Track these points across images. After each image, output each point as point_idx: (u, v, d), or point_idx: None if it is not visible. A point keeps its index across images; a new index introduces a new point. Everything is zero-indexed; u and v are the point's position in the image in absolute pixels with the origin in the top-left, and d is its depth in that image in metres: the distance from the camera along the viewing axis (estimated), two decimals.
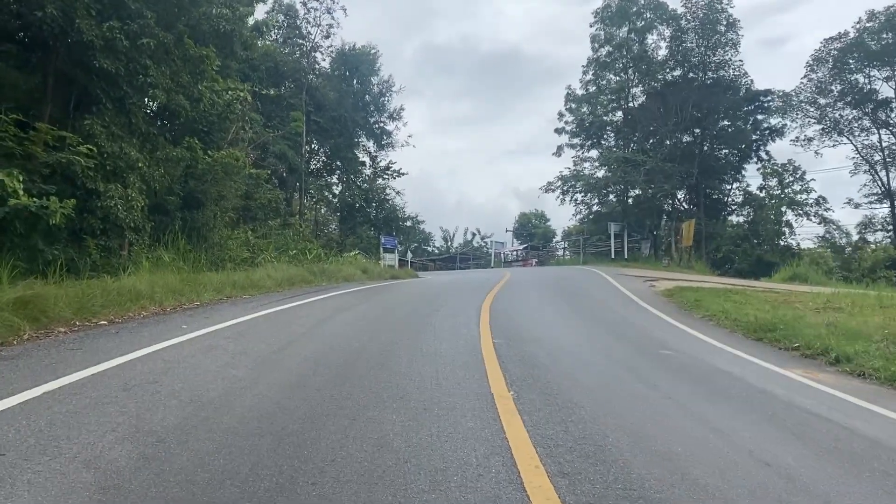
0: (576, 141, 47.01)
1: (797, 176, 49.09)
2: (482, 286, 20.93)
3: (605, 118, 45.02)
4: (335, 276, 23.04)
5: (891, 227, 52.69)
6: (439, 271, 51.48)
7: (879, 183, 52.69)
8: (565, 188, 43.99)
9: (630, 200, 42.97)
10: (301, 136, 35.71)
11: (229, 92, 22.14)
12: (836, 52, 51.71)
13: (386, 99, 40.68)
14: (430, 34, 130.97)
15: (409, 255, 43.30)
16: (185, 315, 11.09)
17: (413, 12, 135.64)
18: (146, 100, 16.81)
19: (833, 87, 53.03)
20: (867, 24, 51.30)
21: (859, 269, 29.47)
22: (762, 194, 50.34)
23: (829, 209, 47.88)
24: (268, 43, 36.87)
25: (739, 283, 26.07)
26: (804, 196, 48.87)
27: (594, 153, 47.09)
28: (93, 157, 14.35)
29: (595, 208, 42.41)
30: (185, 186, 20.06)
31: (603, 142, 46.15)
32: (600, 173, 46.03)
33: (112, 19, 15.15)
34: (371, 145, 41.78)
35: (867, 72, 51.91)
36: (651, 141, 44.21)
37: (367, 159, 41.92)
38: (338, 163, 40.41)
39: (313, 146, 39.17)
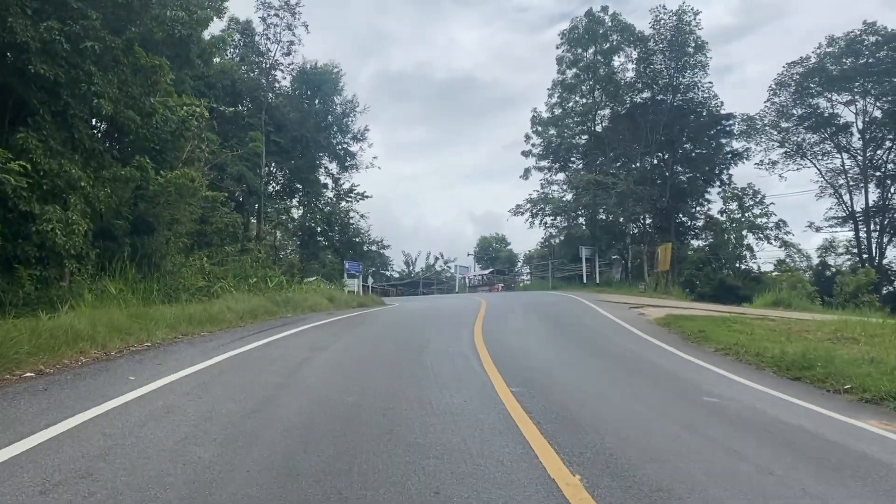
0: (543, 164, 46.07)
1: (757, 200, 48.72)
2: (462, 315, 19.37)
3: (572, 140, 44.06)
4: (301, 305, 21.21)
5: (854, 250, 52.94)
6: (402, 297, 49.78)
7: (844, 206, 52.89)
8: (535, 211, 42.97)
9: (600, 224, 41.98)
10: (260, 157, 33.87)
11: (184, 108, 20.34)
12: (797, 77, 51.94)
13: (350, 119, 39.13)
14: (385, 61, 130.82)
15: (370, 280, 41.40)
16: (134, 361, 9.26)
17: (367, 39, 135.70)
18: (91, 112, 14.93)
19: (795, 111, 53.25)
20: (827, 49, 51.67)
21: (841, 294, 28.70)
22: (723, 218, 50.01)
23: (788, 232, 47.66)
24: (225, 61, 35.11)
25: (725, 309, 24.95)
26: (764, 220, 48.58)
27: (561, 176, 46.26)
28: (27, 175, 12.48)
29: (566, 232, 41.24)
30: (135, 209, 18.16)
31: (571, 164, 45.20)
32: (568, 196, 45.11)
33: (51, 19, 13.36)
34: (334, 167, 40.07)
35: (829, 96, 52.19)
36: (619, 164, 43.43)
37: (329, 181, 40.15)
38: (298, 185, 38.56)
39: (272, 168, 37.30)
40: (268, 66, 35.23)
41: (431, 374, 8.91)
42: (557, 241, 43.11)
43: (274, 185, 38.46)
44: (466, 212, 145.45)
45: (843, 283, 29.09)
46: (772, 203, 44.17)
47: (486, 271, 61.25)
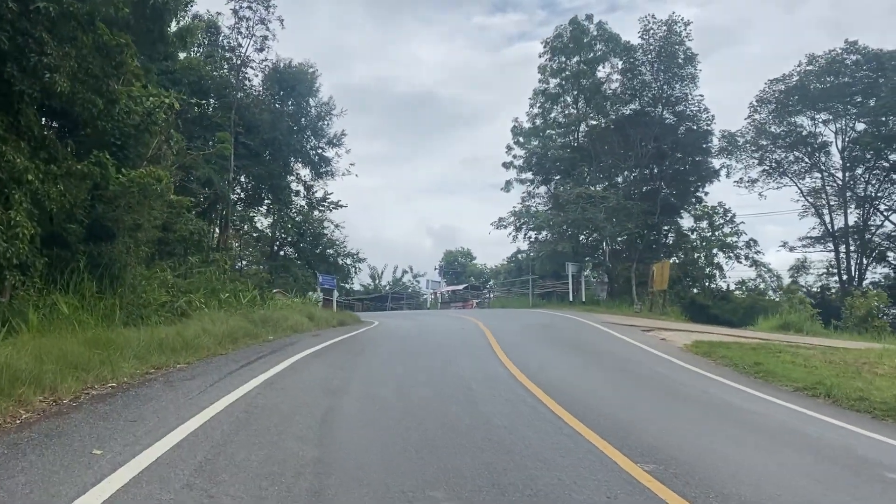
0: (525, 176, 44.02)
1: (727, 218, 47.29)
2: (469, 340, 17.04)
3: (556, 152, 42.07)
4: (281, 325, 18.60)
5: (835, 270, 52.14)
6: (370, 312, 47.21)
7: (826, 226, 52.11)
8: (518, 224, 40.80)
9: (583, 240, 40.02)
10: (228, 160, 31.12)
11: (150, 98, 17.70)
12: (778, 94, 51.12)
13: (325, 123, 36.44)
14: (345, 74, 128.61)
15: (336, 294, 38.50)
16: (97, 415, 6.73)
17: (327, 52, 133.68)
18: (43, 90, 12.28)
19: (774, 129, 52.43)
20: (808, 68, 50.97)
21: (851, 318, 27.18)
22: (693, 236, 48.61)
23: (759, 251, 46.38)
24: (192, 56, 32.38)
25: (735, 333, 23.09)
26: (734, 239, 47.20)
27: (543, 189, 44.26)
28: None
29: (550, 247, 39.13)
30: (92, 212, 15.42)
31: (553, 178, 43.17)
32: (547, 210, 43.16)
33: None
34: (308, 173, 37.33)
35: (809, 114, 51.46)
36: (604, 176, 41.62)
37: (301, 189, 37.41)
38: (267, 192, 35.76)
39: (238, 173, 34.51)
40: (238, 62, 32.52)
41: (512, 438, 6.56)
42: (540, 256, 40.89)
43: (241, 190, 35.62)
44: (424, 225, 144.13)
45: (853, 306, 27.53)
46: (742, 222, 42.76)
47: (460, 287, 58.88)
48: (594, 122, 42.56)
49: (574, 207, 35.43)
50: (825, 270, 52.86)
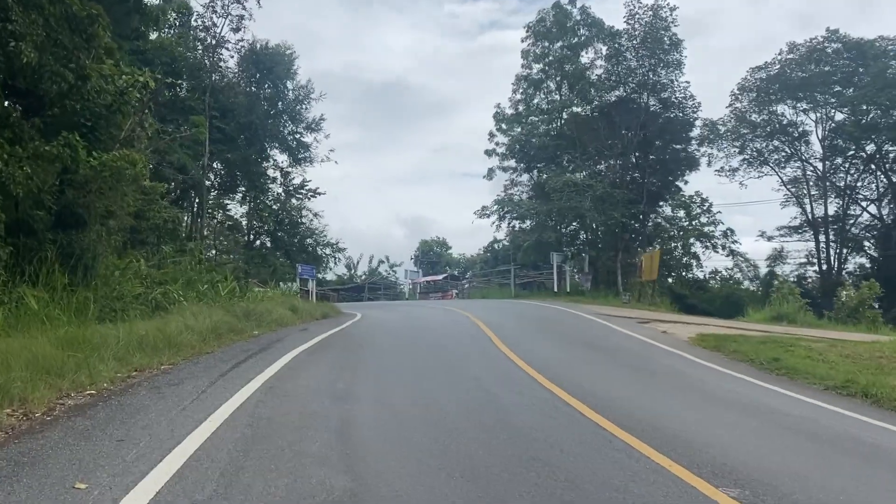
0: (508, 164, 43.09)
1: (704, 208, 46.93)
2: (467, 334, 16.19)
3: (540, 139, 41.12)
4: (265, 319, 17.57)
5: (814, 260, 52.18)
6: (346, 303, 46.18)
7: (807, 216, 52.06)
8: (502, 213, 39.93)
9: (565, 230, 39.30)
10: (203, 146, 29.84)
11: (123, 77, 16.48)
12: (759, 83, 50.84)
13: (303, 107, 35.16)
14: (315, 61, 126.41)
15: (310, 284, 37.26)
16: (75, 431, 5.73)
17: (297, 39, 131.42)
18: (7, 60, 11.11)
19: (755, 118, 52.17)
20: (788, 56, 50.70)
21: (843, 308, 26.81)
22: (670, 226, 48.15)
23: (736, 241, 45.97)
24: (163, 36, 30.99)
25: (728, 324, 22.50)
26: (711, 228, 46.90)
27: (526, 177, 43.44)
28: None
29: (535, 236, 38.30)
30: (61, 198, 14.24)
31: (538, 166, 42.26)
32: (526, 197, 42.40)
33: None
34: (285, 159, 36.05)
35: (790, 103, 51.25)
36: (588, 164, 40.83)
37: (278, 175, 36.12)
38: (243, 179, 34.46)
39: (212, 159, 33.17)
40: (213, 42, 31.13)
41: (565, 458, 5.67)
42: (525, 246, 40.03)
43: (216, 177, 34.31)
44: (394, 215, 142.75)
45: (845, 296, 27.15)
46: (719, 212, 42.25)
47: (440, 277, 57.90)
48: (578, 109, 41.71)
49: (559, 196, 34.63)
50: (805, 260, 53.01)
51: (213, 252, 34.70)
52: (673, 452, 5.90)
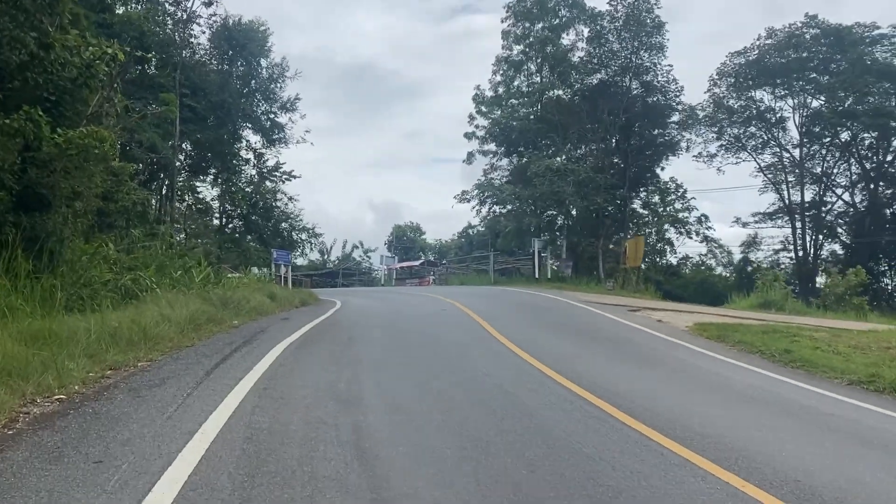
0: (488, 147, 42.22)
1: (679, 194, 46.64)
2: (458, 325, 15.41)
3: (522, 122, 40.22)
4: (244, 307, 16.60)
5: (791, 246, 52.28)
6: (321, 289, 45.15)
7: (784, 202, 52.09)
8: (483, 198, 39.04)
9: (547, 216, 38.61)
10: (173, 125, 28.57)
11: (90, 49, 15.31)
12: (737, 68, 50.57)
13: (278, 86, 33.90)
14: (285, 43, 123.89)
15: (283, 269, 36.14)
16: (43, 454, 4.81)
17: (268, 21, 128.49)
18: None
19: (733, 103, 51.97)
20: (767, 42, 50.47)
21: (829, 295, 26.52)
22: (645, 211, 47.82)
23: (710, 227, 45.77)
24: (130, 10, 29.59)
25: (725, 312, 22.02)
26: (685, 214, 46.59)
27: (506, 161, 42.54)
28: None
29: (516, 222, 37.54)
30: (23, 177, 13.13)
31: (520, 149, 41.42)
32: (504, 180, 41.67)
33: None
34: (259, 140, 34.79)
35: (768, 89, 51.10)
36: (570, 148, 40.15)
37: (251, 157, 34.89)
38: (215, 160, 33.17)
39: (182, 139, 31.85)
40: (184, 17, 29.75)
41: (618, 473, 4.90)
42: (507, 231, 39.22)
43: (187, 158, 32.98)
44: (366, 200, 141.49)
45: (832, 284, 26.86)
46: (693, 198, 41.89)
47: (416, 262, 56.92)
48: (559, 92, 40.95)
49: (542, 181, 33.89)
50: (780, 246, 53.11)
51: (184, 236, 33.54)
52: (721, 458, 5.19)
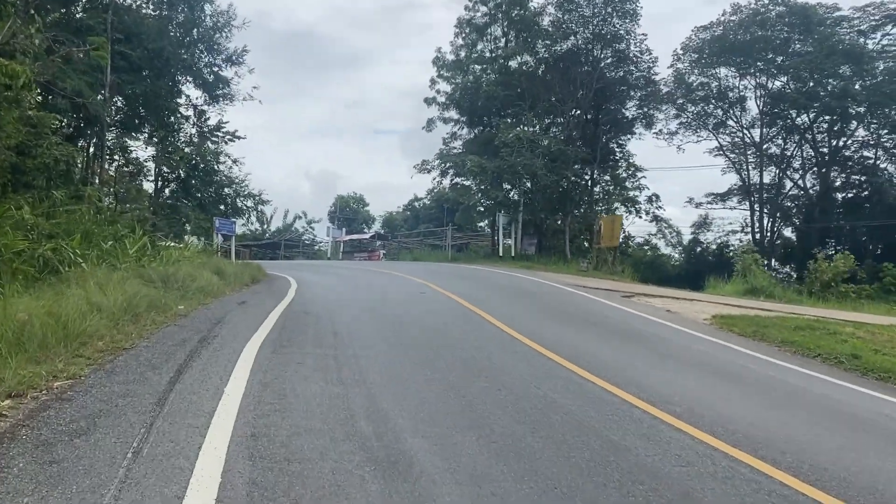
0: (449, 114, 39.43)
1: (630, 172, 45.02)
2: (446, 310, 13.00)
3: (489, 88, 37.52)
4: (189, 288, 13.79)
5: (749, 227, 51.56)
6: (262, 261, 42.10)
7: (744, 181, 51.27)
8: (445, 168, 36.33)
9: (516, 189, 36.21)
10: (104, 73, 25.07)
11: None
12: (701, 43, 49.21)
13: (223, 35, 30.36)
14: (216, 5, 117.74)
15: (220, 239, 32.86)
16: None
17: None
18: None
19: (695, 79, 50.70)
20: (731, 18, 49.26)
21: (816, 282, 25.11)
22: (596, 189, 46.25)
23: (660, 207, 44.28)
24: None
25: (720, 300, 20.22)
26: (636, 193, 45.13)
27: (466, 131, 39.90)
28: None
29: (479, 195, 35.05)
30: None
31: (485, 117, 38.77)
32: (459, 149, 39.21)
33: None
34: (200, 96, 31.26)
35: (732, 68, 49.92)
36: (536, 120, 37.75)
37: (192, 114, 31.37)
38: (151, 116, 29.59)
39: (114, 91, 28.23)
40: None
41: None
42: (471, 205, 36.60)
43: (119, 113, 29.36)
44: (302, 169, 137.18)
45: (819, 270, 25.44)
46: (643, 176, 40.19)
47: (366, 235, 53.92)
48: (528, 58, 38.46)
49: (510, 151, 31.51)
50: (734, 228, 52.44)
51: (112, 199, 30.09)
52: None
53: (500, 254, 33.25)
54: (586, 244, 36.68)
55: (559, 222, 36.33)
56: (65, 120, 25.42)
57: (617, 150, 40.30)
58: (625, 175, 40.41)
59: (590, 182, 38.40)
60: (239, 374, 6.66)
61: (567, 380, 7.48)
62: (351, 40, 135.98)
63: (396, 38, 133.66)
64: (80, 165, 24.25)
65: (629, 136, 41.24)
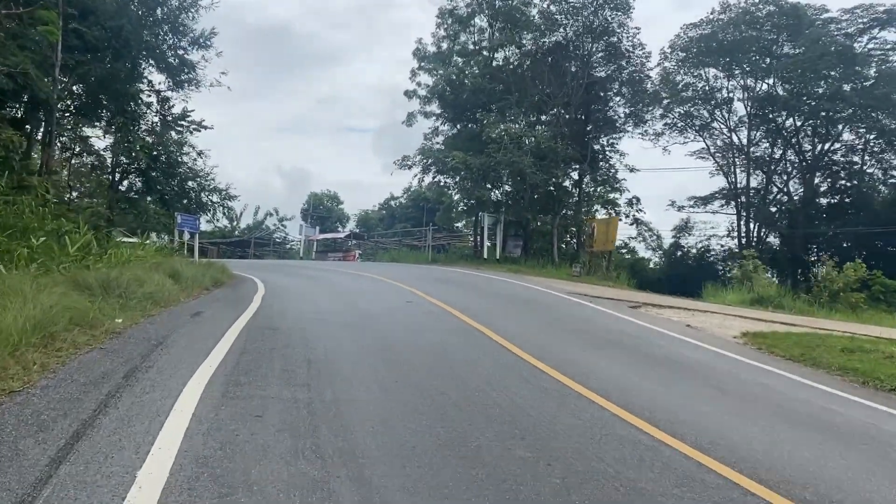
0: (430, 108, 37.24)
1: (610, 175, 43.13)
2: (451, 327, 10.89)
3: (475, 80, 35.43)
4: (133, 294, 11.54)
5: (734, 232, 50.18)
6: (230, 259, 39.69)
7: (731, 186, 49.92)
8: (427, 164, 34.09)
9: (503, 188, 34.20)
10: (54, 51, 22.63)
11: None
12: (689, 42, 47.69)
13: (190, 15, 27.89)
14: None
15: (187, 236, 30.26)
16: None
17: None
18: None
19: (681, 79, 49.26)
20: (720, 16, 47.86)
21: (825, 292, 23.40)
22: (574, 191, 44.39)
23: (641, 210, 42.62)
24: None
25: (724, 310, 18.37)
26: (616, 196, 43.35)
27: (447, 126, 37.76)
28: None
29: (469, 194, 32.91)
30: None
31: (468, 112, 36.62)
32: (440, 145, 37.14)
33: None
34: (164, 81, 28.72)
35: (720, 68, 48.51)
36: (522, 116, 35.76)
37: (154, 100, 28.82)
38: (109, 102, 27.03)
39: (69, 73, 25.71)
40: None
41: None
42: (458, 204, 34.52)
43: (71, 99, 26.81)
44: (274, 165, 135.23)
45: (827, 279, 23.75)
46: (624, 179, 38.48)
47: (340, 234, 51.42)
48: (516, 50, 36.45)
49: (496, 148, 29.48)
50: (716, 233, 51.22)
51: (71, 194, 27.58)
52: None
53: (485, 256, 31.24)
54: (574, 247, 34.80)
55: (547, 224, 34.33)
56: (7, 102, 23.08)
57: (608, 149, 38.39)
58: (616, 176, 38.68)
59: (580, 182, 36.43)
60: (167, 440, 4.52)
61: (635, 443, 5.42)
62: (325, 37, 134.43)
63: (370, 37, 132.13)
64: (20, 152, 21.73)
65: (620, 135, 39.49)
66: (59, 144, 26.23)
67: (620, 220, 42.94)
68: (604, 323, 13.20)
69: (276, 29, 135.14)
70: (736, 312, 17.39)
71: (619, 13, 35.06)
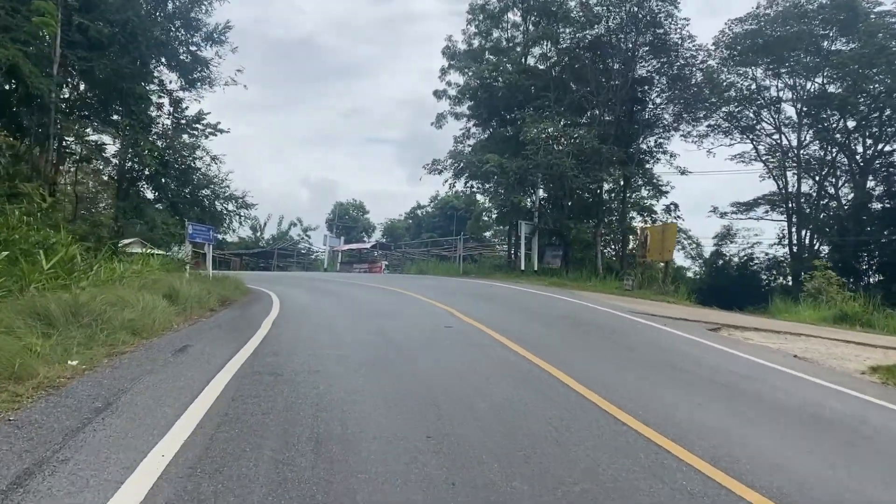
0: (461, 109, 34.72)
1: (646, 180, 40.23)
2: (512, 370, 8.33)
3: (510, 77, 32.83)
4: (107, 324, 9.17)
5: (785, 241, 47.06)
6: (252, 272, 37.67)
7: (780, 189, 46.83)
8: (459, 167, 31.53)
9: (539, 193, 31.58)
10: (52, 46, 20.66)
11: None
12: (734, 39, 44.69)
13: (203, 8, 25.74)
14: (220, 11, 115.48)
15: (188, 248, 27.42)
16: None
17: None
18: None
19: (724, 77, 46.22)
20: (766, 11, 44.81)
21: None
22: (609, 198, 41.56)
23: (679, 217, 39.62)
24: None
25: (821, 332, 15.57)
26: (653, 202, 40.41)
27: (479, 130, 35.22)
28: None
29: (503, 200, 30.35)
30: None
31: (501, 112, 34.06)
32: (469, 147, 34.67)
33: None
34: (175, 80, 26.54)
35: (766, 66, 45.43)
36: (562, 115, 33.19)
37: (165, 101, 26.65)
38: (117, 102, 24.90)
39: (72, 70, 23.63)
40: None
41: None
42: (489, 212, 32.10)
43: (74, 99, 24.75)
44: (300, 177, 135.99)
45: None
46: (668, 182, 35.59)
47: (366, 244, 49.06)
48: (548, 49, 33.90)
49: (535, 149, 26.88)
50: (776, 241, 47.97)
51: (76, 199, 25.51)
52: None
53: (522, 267, 28.57)
54: (614, 257, 32.09)
55: (586, 232, 31.65)
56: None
57: (656, 150, 35.59)
58: (659, 179, 35.98)
59: (627, 186, 33.69)
60: None
61: None
62: (350, 51, 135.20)
63: (395, 49, 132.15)
64: (8, 156, 19.59)
65: (671, 134, 36.66)
66: (60, 148, 24.08)
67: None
68: (696, 356, 10.50)
69: (302, 42, 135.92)
70: (833, 335, 14.60)
71: (666, 2, 32.33)
